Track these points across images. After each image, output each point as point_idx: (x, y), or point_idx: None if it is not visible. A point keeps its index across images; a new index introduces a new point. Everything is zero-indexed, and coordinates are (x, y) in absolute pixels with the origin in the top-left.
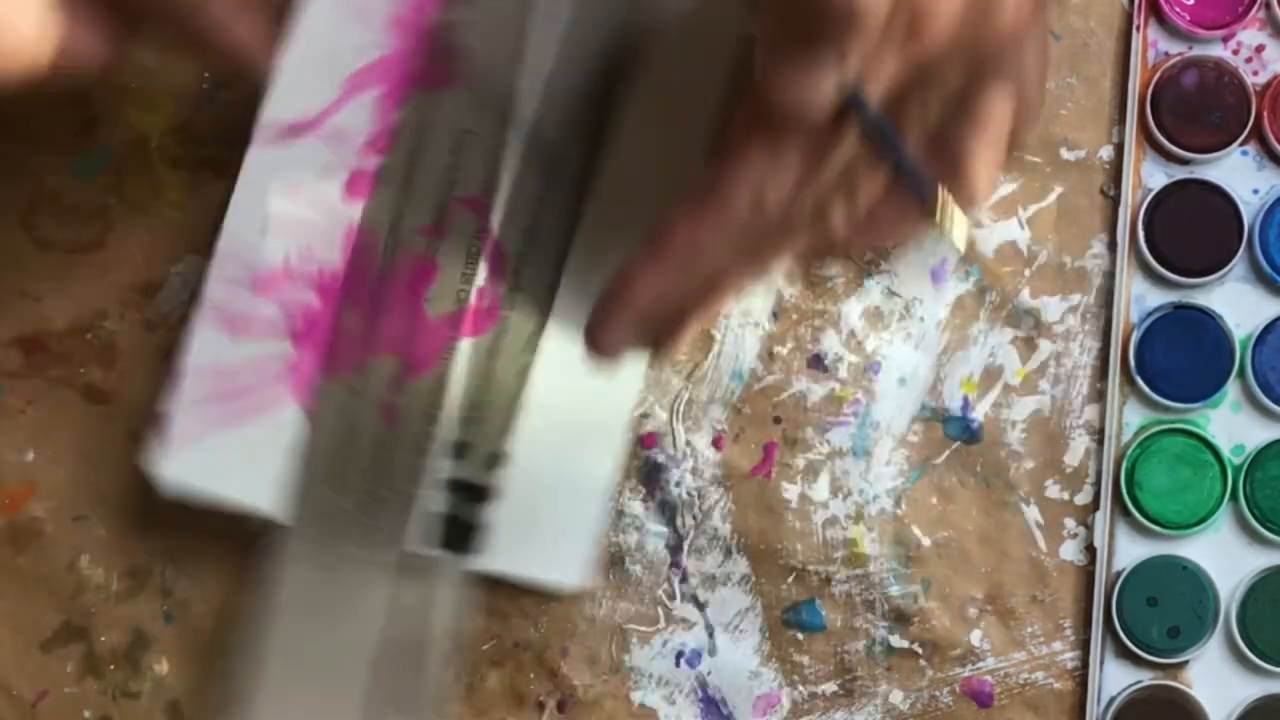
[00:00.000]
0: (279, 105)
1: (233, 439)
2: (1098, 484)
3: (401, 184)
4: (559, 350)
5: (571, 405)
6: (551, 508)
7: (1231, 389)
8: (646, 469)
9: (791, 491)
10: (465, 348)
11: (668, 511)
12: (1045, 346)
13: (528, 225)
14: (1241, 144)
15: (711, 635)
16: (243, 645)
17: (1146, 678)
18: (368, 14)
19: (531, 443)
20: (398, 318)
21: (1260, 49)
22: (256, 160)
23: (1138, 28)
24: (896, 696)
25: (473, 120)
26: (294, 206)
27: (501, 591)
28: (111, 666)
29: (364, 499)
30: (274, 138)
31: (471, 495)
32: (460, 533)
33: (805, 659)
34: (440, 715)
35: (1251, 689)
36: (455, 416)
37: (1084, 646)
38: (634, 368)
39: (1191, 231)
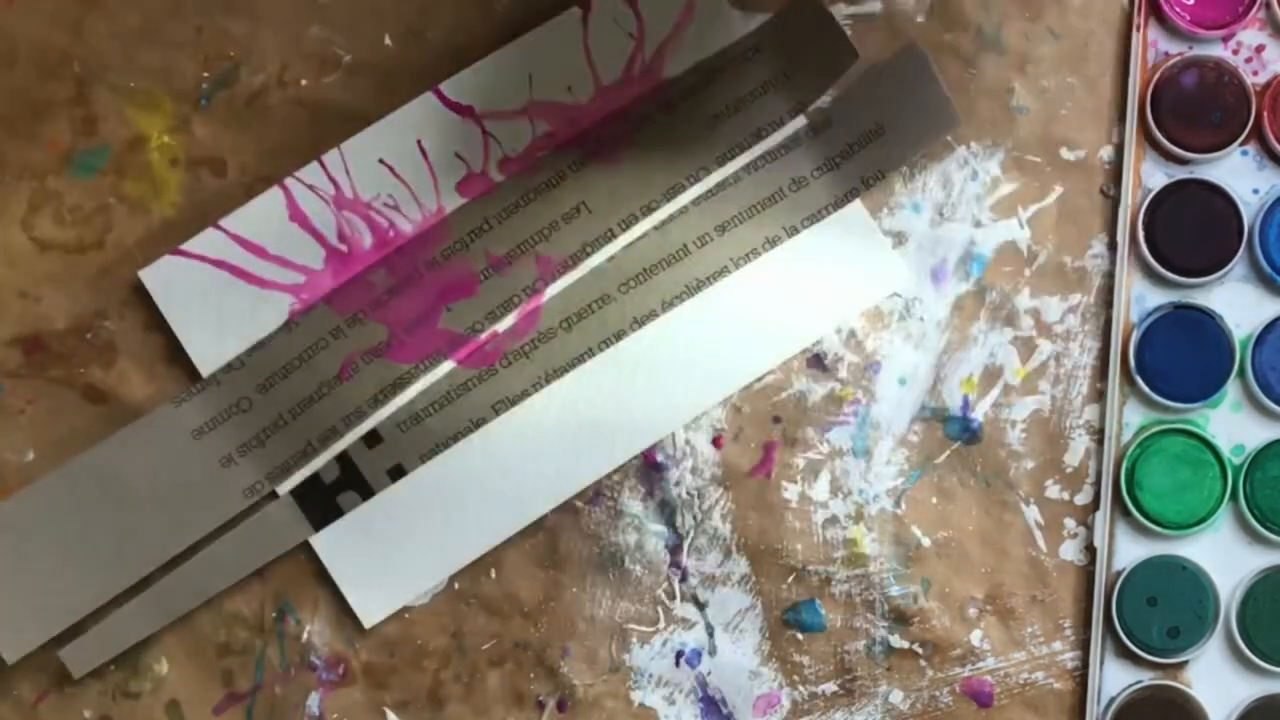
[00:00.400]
0: (466, 82)
1: (218, 286)
2: (1098, 484)
3: (504, 210)
4: (515, 432)
5: (488, 483)
6: (407, 544)
7: (1231, 389)
8: (646, 468)
9: (791, 491)
10: (446, 367)
11: (667, 511)
12: (1045, 346)
13: (568, 316)
14: (1241, 144)
15: (711, 635)
16: (80, 461)
17: (1146, 678)
18: (595, 67)
19: (434, 482)
20: (414, 305)
21: (1260, 49)
22: (421, 106)
23: (1138, 28)
24: (896, 696)
25: (598, 205)
26: (416, 162)
27: (502, 591)
28: (111, 666)
29: (276, 421)
30: (446, 102)
31: (354, 483)
32: (321, 505)
33: (805, 659)
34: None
35: (1251, 689)
36: (392, 412)
37: (1084, 646)
38: (553, 490)
39: (1191, 231)
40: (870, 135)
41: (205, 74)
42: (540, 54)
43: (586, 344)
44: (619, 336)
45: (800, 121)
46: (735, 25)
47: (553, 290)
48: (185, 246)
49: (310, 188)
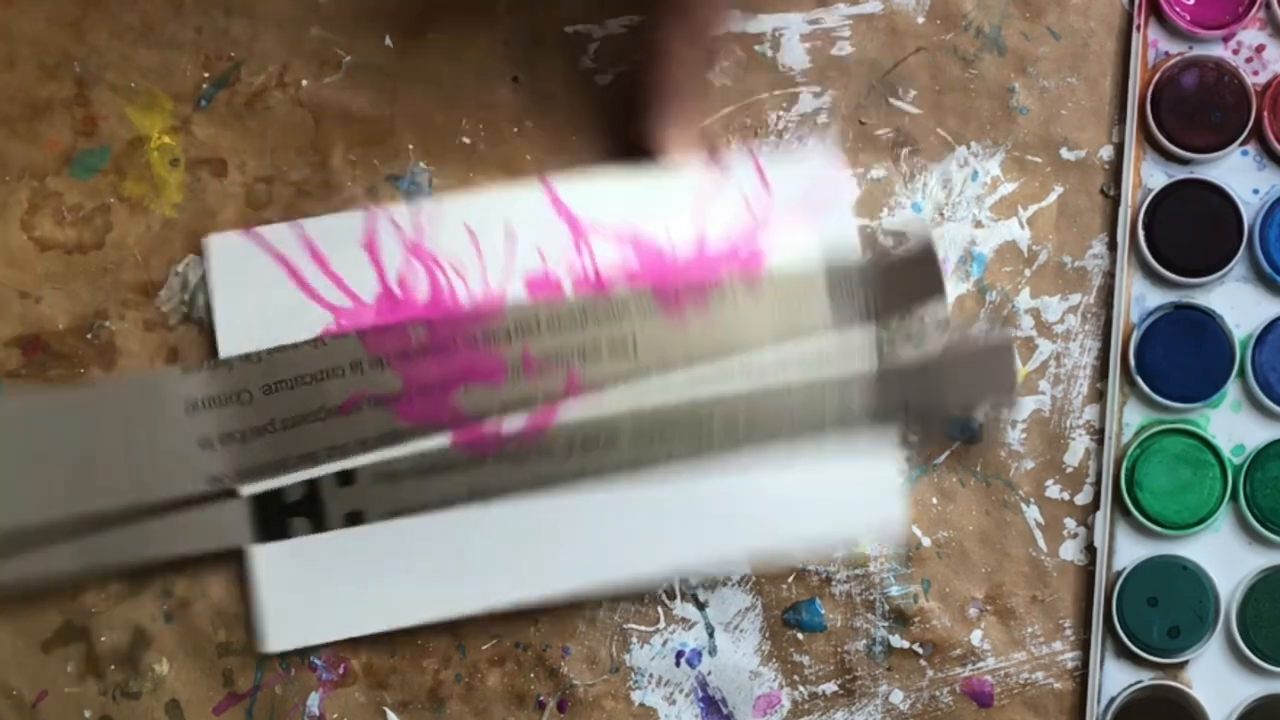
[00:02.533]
0: (579, 187)
1: (271, 278)
2: (1098, 484)
3: (560, 320)
4: (482, 525)
5: (436, 562)
6: (339, 589)
7: (1231, 389)
8: None
9: None
10: (441, 441)
11: None
12: (1045, 346)
13: (573, 441)
14: (1241, 144)
15: (711, 635)
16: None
17: (1146, 678)
18: (705, 226)
19: (386, 541)
20: (437, 371)
21: (1260, 49)
22: (526, 190)
23: (1138, 28)
24: (896, 696)
25: (646, 353)
26: (499, 241)
27: None
28: (112, 666)
29: (268, 425)
30: (552, 196)
31: (312, 512)
32: (273, 521)
33: (805, 659)
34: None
35: (1251, 689)
36: (375, 461)
37: (1084, 646)
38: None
39: (1191, 231)
40: (927, 396)
41: (205, 74)
42: (660, 191)
43: (579, 474)
44: (611, 480)
45: (873, 360)
46: (854, 233)
47: (570, 410)
48: (260, 230)
49: (394, 224)
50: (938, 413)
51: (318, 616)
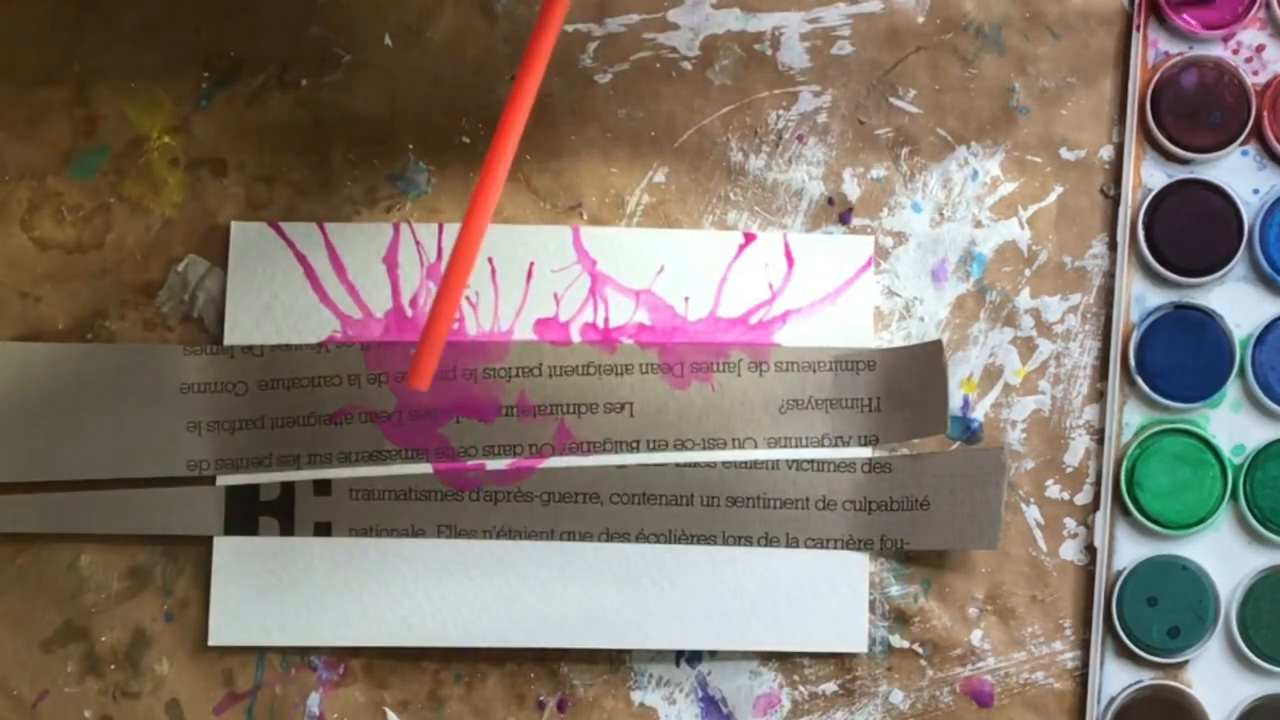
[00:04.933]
0: (606, 239)
1: (287, 274)
2: (1098, 484)
3: (562, 369)
4: (443, 558)
5: (390, 586)
6: (291, 596)
7: (1231, 389)
8: None
9: None
10: (423, 468)
11: None
12: (1045, 346)
13: (553, 494)
14: (1241, 144)
15: None
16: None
17: (1146, 678)
18: (723, 294)
19: (348, 556)
20: (432, 398)
21: (1260, 49)
22: (553, 234)
23: (1138, 28)
24: (896, 696)
25: (643, 415)
26: (518, 279)
27: None
28: (111, 666)
29: (257, 420)
30: (578, 245)
31: (283, 515)
32: (243, 516)
33: (805, 659)
34: None
35: (1251, 689)
36: (354, 476)
37: (1084, 646)
38: None
39: (1191, 231)
40: (916, 505)
41: (205, 74)
42: (684, 253)
43: (553, 527)
44: (584, 538)
45: (865, 453)
46: (866, 334)
47: (555, 462)
48: (284, 225)
49: (418, 243)
50: (921, 521)
51: (266, 619)
